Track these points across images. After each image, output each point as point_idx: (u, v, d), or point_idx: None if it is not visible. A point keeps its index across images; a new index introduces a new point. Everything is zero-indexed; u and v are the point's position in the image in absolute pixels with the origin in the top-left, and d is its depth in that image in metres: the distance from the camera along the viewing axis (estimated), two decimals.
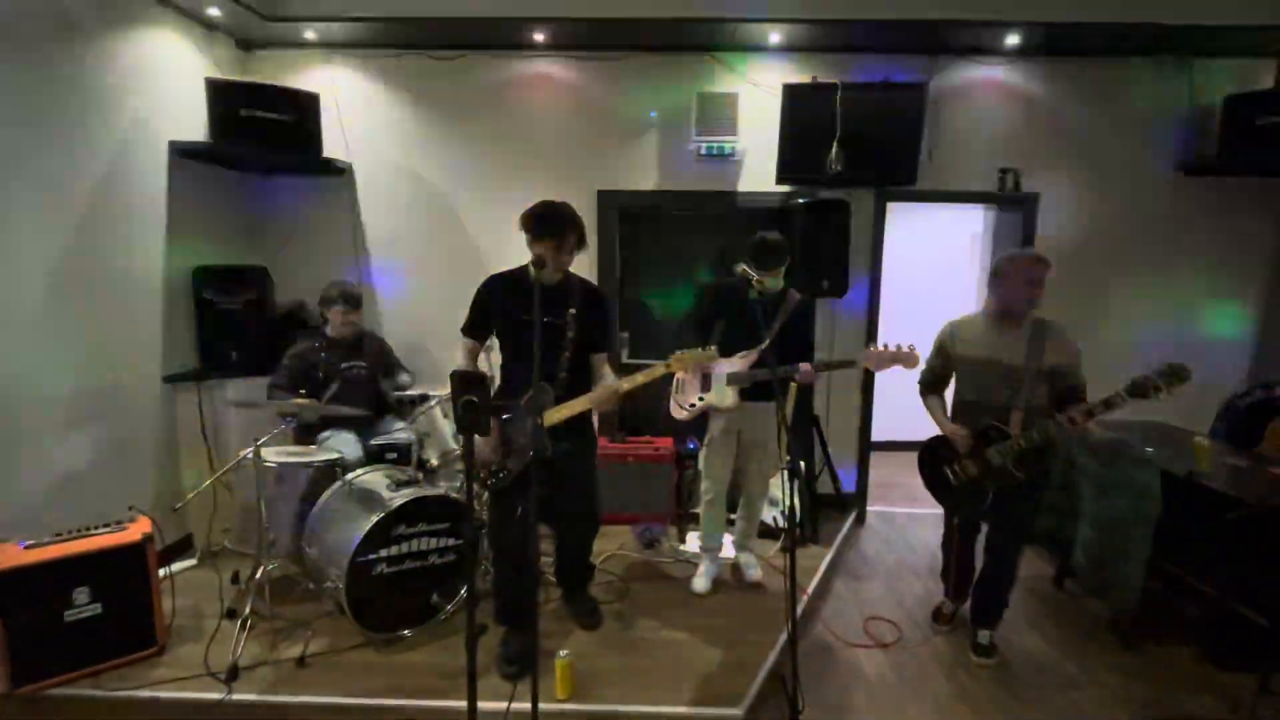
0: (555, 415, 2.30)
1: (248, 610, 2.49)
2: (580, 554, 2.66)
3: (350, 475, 2.68)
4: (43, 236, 2.52)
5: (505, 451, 2.31)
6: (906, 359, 2.49)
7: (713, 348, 2.35)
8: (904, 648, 2.69)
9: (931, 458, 2.58)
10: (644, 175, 3.77)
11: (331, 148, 3.58)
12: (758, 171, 3.70)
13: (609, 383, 2.36)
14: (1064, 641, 2.74)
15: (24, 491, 2.45)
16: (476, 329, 2.40)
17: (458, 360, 2.39)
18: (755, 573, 2.99)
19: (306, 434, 3.04)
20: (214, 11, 3.20)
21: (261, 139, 3.22)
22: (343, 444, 2.95)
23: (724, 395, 2.74)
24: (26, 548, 2.20)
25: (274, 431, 2.65)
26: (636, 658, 2.42)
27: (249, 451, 2.51)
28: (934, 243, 5.39)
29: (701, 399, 2.79)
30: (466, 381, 1.42)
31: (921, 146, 3.47)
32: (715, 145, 3.65)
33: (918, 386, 2.65)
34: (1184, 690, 2.43)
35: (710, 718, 2.13)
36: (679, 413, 2.87)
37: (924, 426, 2.68)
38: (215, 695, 2.16)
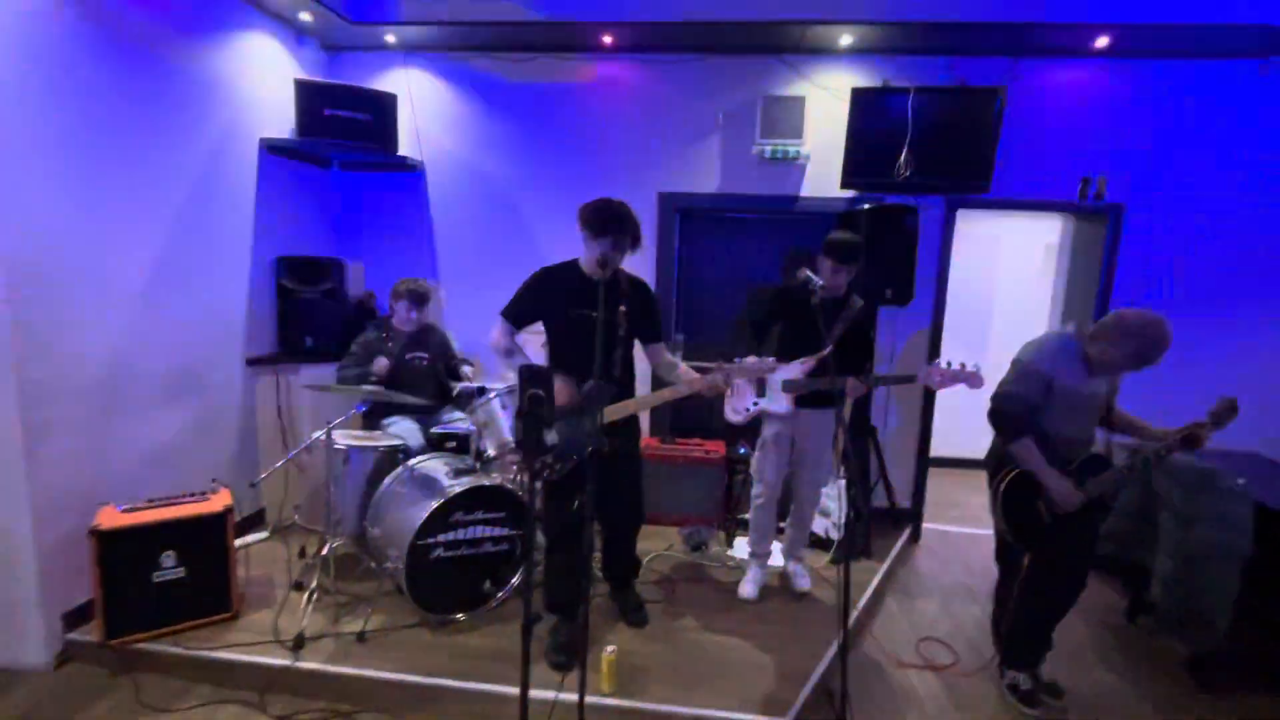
0: (615, 412, 2.33)
1: (314, 584, 2.62)
2: (628, 548, 2.68)
3: (412, 461, 2.79)
4: (146, 225, 2.73)
5: (559, 447, 2.33)
6: (971, 379, 2.33)
7: (771, 359, 2.33)
8: (959, 673, 2.60)
9: (1020, 493, 2.26)
10: (706, 178, 3.77)
11: (405, 145, 3.73)
12: (822, 176, 3.65)
13: (706, 376, 2.35)
14: (1135, 679, 2.59)
15: (122, 459, 2.66)
16: (516, 316, 2.40)
17: (495, 342, 2.40)
18: (805, 582, 2.94)
19: (371, 420, 3.18)
20: (305, 17, 3.38)
21: (343, 137, 3.39)
22: (405, 431, 3.07)
23: (779, 401, 2.72)
24: (123, 511, 2.39)
25: (345, 416, 2.79)
26: (682, 658, 2.42)
27: (321, 434, 2.64)
28: (1005, 253, 5.17)
29: (756, 404, 2.78)
30: (534, 376, 1.46)
31: (997, 152, 3.34)
32: (780, 149, 3.61)
33: (998, 422, 2.24)
34: None
35: None
36: (733, 416, 2.85)
37: (986, 444, 2.55)
38: (283, 661, 2.29)
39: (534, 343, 2.69)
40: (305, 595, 2.60)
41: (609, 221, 2.18)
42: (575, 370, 2.26)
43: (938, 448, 3.94)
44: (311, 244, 3.74)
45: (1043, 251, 5.01)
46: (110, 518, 2.34)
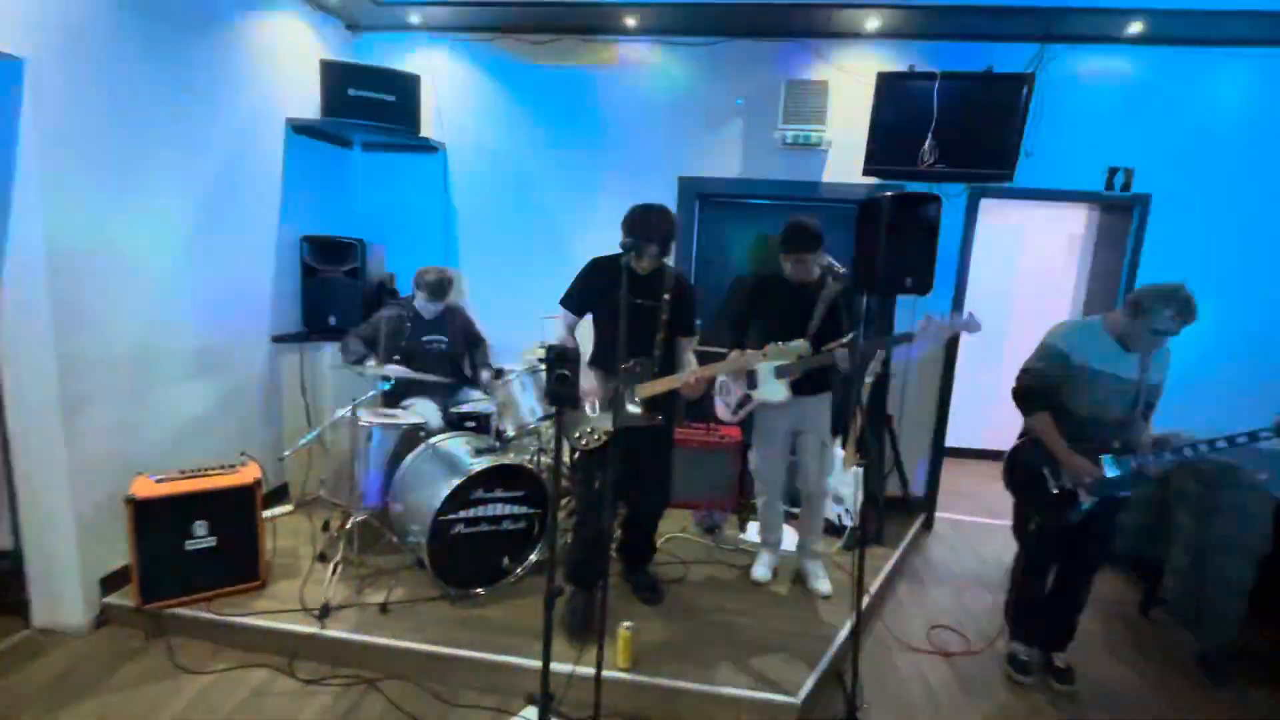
0: (648, 390, 2.39)
1: (338, 556, 2.70)
2: (648, 530, 2.73)
3: (434, 439, 2.85)
4: (177, 204, 2.78)
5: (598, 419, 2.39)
6: (968, 325, 2.33)
7: (802, 341, 2.32)
8: (970, 659, 2.63)
9: (1024, 459, 2.39)
10: (727, 162, 3.76)
11: (427, 127, 3.75)
12: (844, 162, 3.62)
13: (698, 369, 2.43)
14: (1147, 672, 2.61)
15: (155, 431, 2.74)
16: (575, 304, 2.52)
17: (558, 331, 2.52)
18: (824, 585, 2.82)
19: (391, 400, 3.24)
20: None
21: (367, 117, 3.42)
22: (425, 411, 3.12)
23: (774, 390, 2.63)
24: (157, 481, 2.46)
25: (368, 394, 2.84)
26: (695, 637, 2.47)
27: (346, 410, 2.70)
28: (1028, 243, 5.11)
29: (749, 396, 2.71)
30: (561, 357, 1.49)
31: (1023, 141, 3.29)
32: (802, 134, 3.59)
33: (1018, 396, 2.32)
34: None
35: (767, 703, 2.16)
36: (725, 413, 2.80)
37: (1003, 436, 2.56)
38: (309, 629, 2.37)
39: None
40: (329, 567, 2.67)
41: (632, 228, 2.31)
42: (618, 354, 2.31)
43: (953, 438, 3.94)
44: (334, 224, 3.78)
45: (1066, 242, 4.94)
46: (144, 487, 2.42)
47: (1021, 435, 2.45)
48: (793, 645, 2.44)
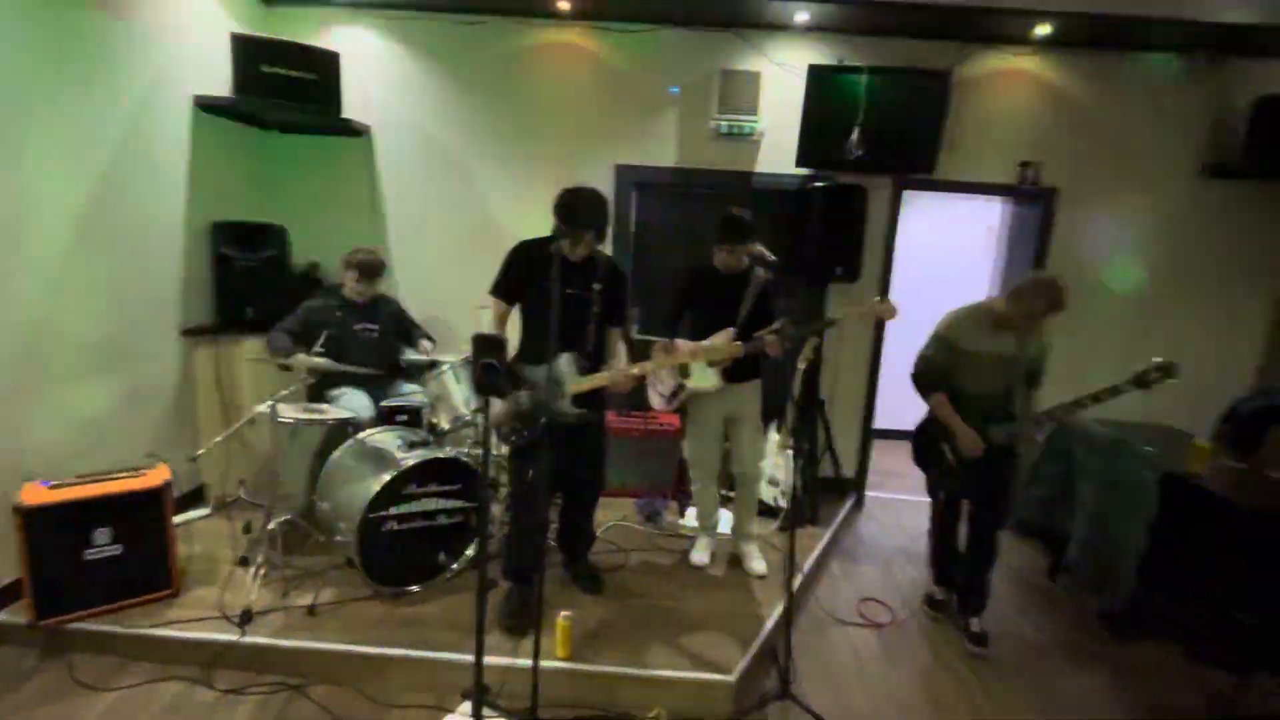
0: (580, 386, 2.34)
1: (260, 559, 2.57)
2: (585, 520, 2.72)
3: (363, 434, 2.74)
4: (68, 184, 2.55)
5: (528, 413, 2.33)
6: (884, 309, 2.44)
7: (721, 335, 2.34)
8: (896, 629, 2.76)
9: (926, 435, 2.66)
10: (663, 151, 3.76)
11: (351, 108, 3.58)
12: (777, 153, 3.69)
13: (625, 367, 2.42)
14: (1054, 632, 2.81)
15: (48, 433, 2.51)
16: (504, 291, 2.43)
17: (483, 322, 2.42)
18: (759, 565, 2.90)
19: (318, 392, 3.09)
20: None
21: (283, 96, 3.22)
22: (355, 403, 3.00)
23: (705, 377, 2.67)
24: (51, 487, 2.27)
25: (290, 389, 2.70)
26: (634, 623, 2.49)
27: (264, 407, 2.56)
28: (950, 234, 5.37)
29: (682, 385, 2.74)
30: (487, 345, 1.46)
31: (944, 135, 3.44)
32: (736, 124, 3.63)
33: (914, 381, 2.59)
34: (1167, 684, 2.50)
35: (704, 683, 2.20)
36: (658, 402, 2.83)
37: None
38: (229, 636, 2.24)
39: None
40: (251, 571, 2.54)
41: (564, 215, 2.22)
42: (546, 344, 2.26)
43: (882, 420, 4.10)
44: (252, 209, 3.56)
45: (985, 233, 5.22)
46: (35, 494, 2.22)
47: (926, 415, 2.66)
48: (729, 625, 2.50)
